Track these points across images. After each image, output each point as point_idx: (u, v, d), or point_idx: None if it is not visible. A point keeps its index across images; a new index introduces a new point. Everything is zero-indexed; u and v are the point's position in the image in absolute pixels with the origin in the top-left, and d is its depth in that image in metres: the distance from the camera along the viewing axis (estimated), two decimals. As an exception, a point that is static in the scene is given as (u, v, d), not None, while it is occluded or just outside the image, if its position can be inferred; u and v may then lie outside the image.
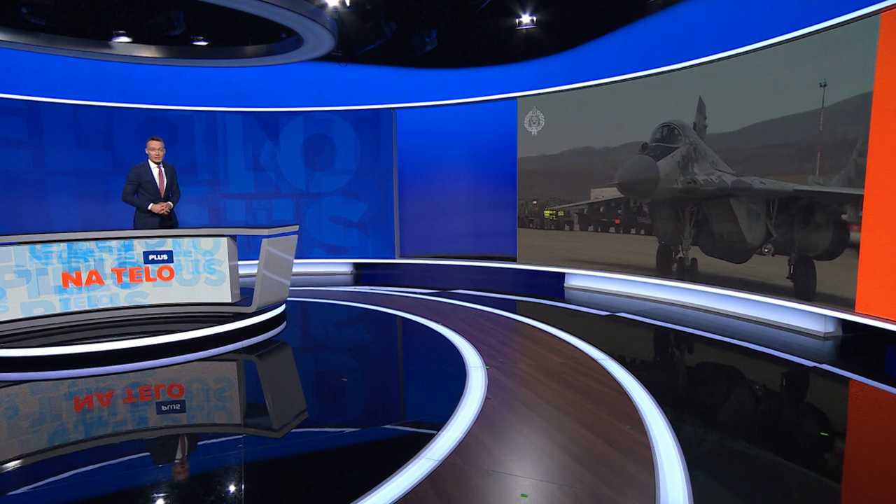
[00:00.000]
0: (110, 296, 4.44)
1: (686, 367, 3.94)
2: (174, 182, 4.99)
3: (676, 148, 5.52)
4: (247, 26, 6.95)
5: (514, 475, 2.20)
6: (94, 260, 4.35)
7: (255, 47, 7.58)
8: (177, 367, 3.79)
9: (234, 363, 4.01)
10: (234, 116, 7.84)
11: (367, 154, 8.03)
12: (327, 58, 7.84)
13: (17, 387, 3.47)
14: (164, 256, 4.56)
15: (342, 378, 3.77)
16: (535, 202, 7.10)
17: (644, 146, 5.83)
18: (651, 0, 6.41)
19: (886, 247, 3.86)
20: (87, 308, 4.36)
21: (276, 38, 7.40)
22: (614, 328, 4.84)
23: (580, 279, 6.71)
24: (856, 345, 4.16)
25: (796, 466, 2.35)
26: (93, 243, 4.33)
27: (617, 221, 6.28)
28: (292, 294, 5.88)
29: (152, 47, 7.32)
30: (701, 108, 5.42)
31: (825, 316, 4.31)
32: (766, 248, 4.86)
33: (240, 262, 4.90)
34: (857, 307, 4.08)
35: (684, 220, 5.60)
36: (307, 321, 5.42)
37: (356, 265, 8.39)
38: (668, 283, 5.70)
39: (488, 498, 2.04)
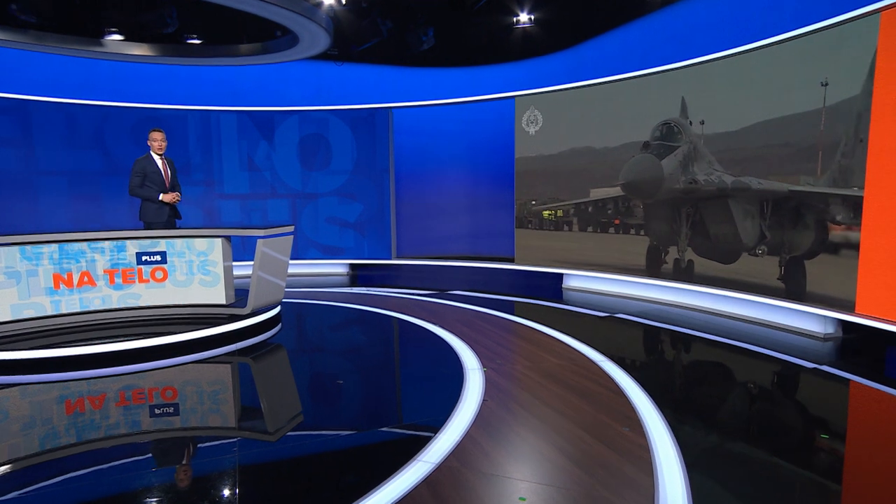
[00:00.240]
0: (102, 297, 4.39)
1: (685, 369, 3.92)
2: (175, 176, 4.96)
3: (678, 146, 5.49)
4: (241, 24, 6.89)
5: (511, 478, 2.18)
6: (86, 261, 4.30)
7: (249, 46, 7.53)
8: (170, 369, 3.75)
9: (228, 365, 3.97)
10: (228, 116, 7.79)
11: (364, 154, 7.99)
12: (323, 56, 7.80)
13: (6, 390, 3.42)
14: (158, 257, 4.51)
15: (338, 380, 3.74)
16: (533, 202, 7.07)
17: (646, 144, 5.79)
18: (650, -2, 6.40)
19: (886, 247, 3.85)
20: (78, 310, 4.31)
21: (271, 36, 7.34)
22: (612, 329, 4.82)
23: (578, 280, 6.69)
24: (856, 346, 4.15)
25: (796, 468, 2.34)
26: (84, 244, 4.28)
27: (616, 222, 6.26)
28: (288, 295, 5.84)
29: (145, 45, 7.26)
30: (684, 108, 5.43)
31: (825, 317, 4.30)
32: (759, 250, 4.86)
33: (234, 263, 4.85)
34: (856, 308, 4.07)
35: (681, 221, 5.59)
36: (303, 323, 5.38)
37: (352, 266, 8.35)
38: (667, 283, 5.68)
39: (486, 501, 2.02)
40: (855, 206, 4.05)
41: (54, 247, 4.17)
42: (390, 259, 8.11)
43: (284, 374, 3.91)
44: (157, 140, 4.75)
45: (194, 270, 4.59)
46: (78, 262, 4.27)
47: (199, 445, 2.71)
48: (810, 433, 2.77)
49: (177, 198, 4.80)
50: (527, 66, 8.16)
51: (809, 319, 4.42)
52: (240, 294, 4.82)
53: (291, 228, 4.89)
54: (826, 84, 4.22)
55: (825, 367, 3.61)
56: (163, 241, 4.52)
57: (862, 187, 3.98)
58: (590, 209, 6.49)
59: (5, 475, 2.33)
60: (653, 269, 5.86)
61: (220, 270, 4.60)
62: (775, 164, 4.71)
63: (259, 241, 4.43)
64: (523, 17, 7.23)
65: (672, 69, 5.53)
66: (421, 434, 2.61)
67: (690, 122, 5.39)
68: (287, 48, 7.21)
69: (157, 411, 3.07)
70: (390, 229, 8.07)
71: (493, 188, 8.01)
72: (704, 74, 5.28)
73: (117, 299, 4.44)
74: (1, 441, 2.65)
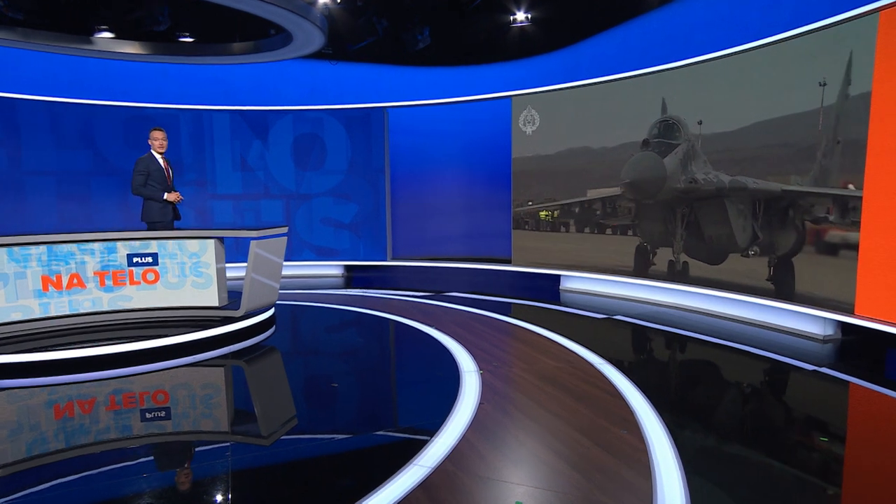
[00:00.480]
0: (92, 300, 4.32)
1: (684, 371, 3.91)
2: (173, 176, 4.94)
3: (678, 144, 5.46)
4: (234, 22, 6.82)
5: (508, 482, 2.16)
6: (76, 263, 4.23)
7: (242, 44, 7.47)
8: (162, 373, 3.71)
9: (221, 369, 3.94)
10: (221, 115, 7.71)
11: (359, 154, 7.94)
12: (318, 55, 7.74)
13: (-7, 394, 3.36)
14: (149, 259, 4.45)
15: (333, 383, 3.70)
16: (530, 202, 7.05)
17: (645, 142, 5.75)
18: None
19: (886, 248, 3.83)
20: (67, 312, 4.24)
21: (264, 34, 7.28)
22: (611, 331, 4.80)
23: (576, 281, 6.66)
24: (855, 348, 4.13)
25: (796, 471, 2.33)
26: (74, 245, 4.22)
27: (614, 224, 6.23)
28: (281, 297, 5.79)
29: (136, 43, 7.17)
30: (664, 109, 5.42)
31: (824, 318, 4.27)
32: (751, 251, 4.86)
33: (227, 265, 4.80)
34: (856, 309, 4.05)
35: (676, 222, 5.57)
36: (297, 325, 5.35)
37: (347, 267, 8.29)
38: (665, 285, 5.66)
39: (483, 509, 1.98)
40: (847, 206, 4.06)
41: (43, 248, 4.11)
42: (386, 260, 8.06)
43: (278, 377, 3.88)
44: (158, 139, 4.72)
45: (186, 272, 4.54)
46: (67, 263, 4.21)
47: (191, 450, 2.68)
48: (810, 436, 2.76)
49: (180, 197, 4.79)
50: (524, 65, 8.13)
51: (809, 321, 4.40)
52: (233, 296, 4.78)
53: (285, 229, 4.85)
54: (824, 84, 4.22)
55: (825, 370, 3.59)
56: (154, 243, 4.46)
57: (840, 186, 4.00)
58: (576, 210, 6.47)
59: (-10, 483, 2.28)
60: (648, 269, 5.84)
61: (212, 272, 4.55)
62: (774, 164, 4.70)
63: (252, 243, 4.39)
64: (520, 16, 7.20)
65: (670, 69, 5.51)
66: (417, 438, 2.59)
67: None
68: (281, 47, 7.16)
69: (148, 416, 3.03)
70: (386, 230, 8.03)
71: (490, 189, 7.98)
72: (703, 74, 5.26)
73: (108, 301, 4.38)
74: (-14, 447, 2.59)
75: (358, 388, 3.65)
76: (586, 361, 3.71)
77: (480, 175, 8.13)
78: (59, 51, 7.05)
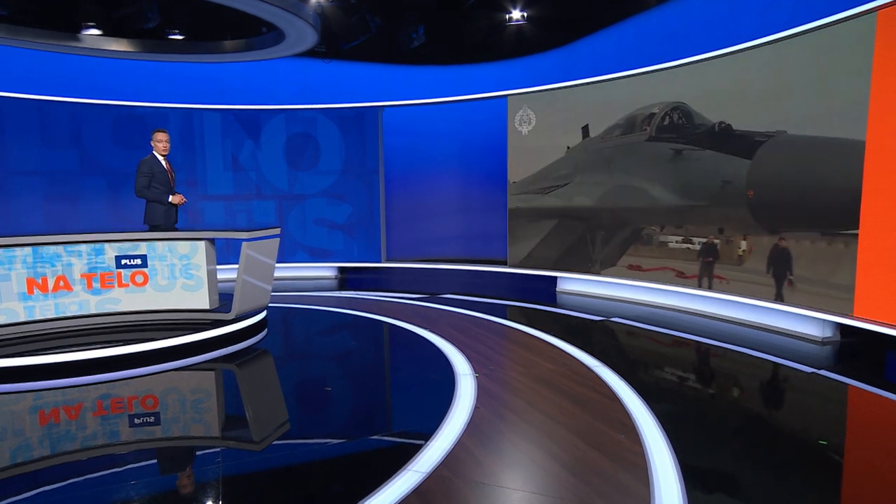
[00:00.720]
0: (79, 303, 4.24)
1: (681, 374, 3.88)
2: None
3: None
4: (225, 20, 6.74)
5: (504, 487, 2.14)
6: (62, 264, 4.15)
7: (233, 42, 7.38)
8: (151, 377, 3.66)
9: (212, 373, 3.90)
10: (212, 114, 7.63)
11: (353, 154, 7.88)
12: (310, 54, 7.68)
13: (-24, 400, 3.29)
14: (138, 261, 4.38)
15: (326, 387, 3.66)
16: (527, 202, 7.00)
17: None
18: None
19: (885, 250, 3.81)
20: (54, 316, 4.16)
21: (256, 32, 7.20)
22: (607, 333, 4.78)
23: (573, 283, 6.63)
24: (854, 350, 4.12)
25: (795, 475, 2.32)
26: (60, 247, 4.14)
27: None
28: (274, 300, 5.72)
29: (124, 41, 7.07)
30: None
31: (823, 320, 4.25)
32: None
33: (218, 267, 4.75)
34: (855, 311, 4.02)
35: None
36: (289, 328, 5.30)
37: (341, 269, 8.23)
38: (663, 286, 5.63)
39: (480, 516, 1.95)
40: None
41: (28, 250, 4.03)
42: (380, 262, 8.00)
43: (270, 380, 3.83)
44: (161, 141, 4.66)
45: (176, 274, 4.47)
46: (53, 265, 4.13)
47: (181, 456, 2.64)
48: (809, 439, 2.74)
49: (184, 199, 4.77)
50: (519, 64, 8.10)
51: (807, 323, 4.38)
52: (224, 298, 4.72)
53: (278, 230, 4.81)
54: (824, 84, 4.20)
55: (823, 372, 3.57)
56: (143, 244, 4.39)
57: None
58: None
59: (-31, 493, 2.21)
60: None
61: (203, 274, 4.49)
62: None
63: (244, 244, 4.34)
64: (516, 15, 7.17)
65: (668, 68, 5.48)
66: (411, 442, 2.57)
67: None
68: (273, 45, 7.08)
69: (136, 421, 2.98)
70: (380, 231, 7.97)
71: (486, 189, 7.95)
72: (701, 74, 5.23)
73: (95, 304, 4.30)
74: (-33, 455, 2.53)
75: (351, 391, 3.61)
76: (583, 364, 3.68)
77: (476, 175, 8.10)
78: (46, 48, 6.93)
